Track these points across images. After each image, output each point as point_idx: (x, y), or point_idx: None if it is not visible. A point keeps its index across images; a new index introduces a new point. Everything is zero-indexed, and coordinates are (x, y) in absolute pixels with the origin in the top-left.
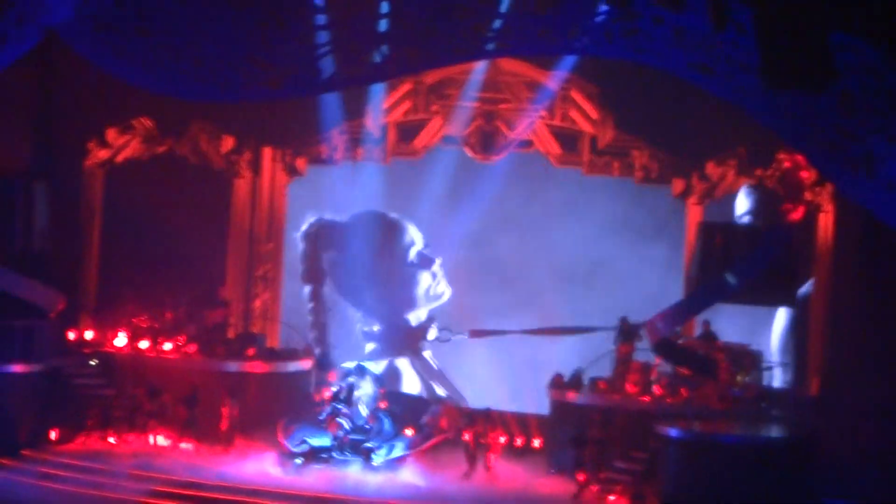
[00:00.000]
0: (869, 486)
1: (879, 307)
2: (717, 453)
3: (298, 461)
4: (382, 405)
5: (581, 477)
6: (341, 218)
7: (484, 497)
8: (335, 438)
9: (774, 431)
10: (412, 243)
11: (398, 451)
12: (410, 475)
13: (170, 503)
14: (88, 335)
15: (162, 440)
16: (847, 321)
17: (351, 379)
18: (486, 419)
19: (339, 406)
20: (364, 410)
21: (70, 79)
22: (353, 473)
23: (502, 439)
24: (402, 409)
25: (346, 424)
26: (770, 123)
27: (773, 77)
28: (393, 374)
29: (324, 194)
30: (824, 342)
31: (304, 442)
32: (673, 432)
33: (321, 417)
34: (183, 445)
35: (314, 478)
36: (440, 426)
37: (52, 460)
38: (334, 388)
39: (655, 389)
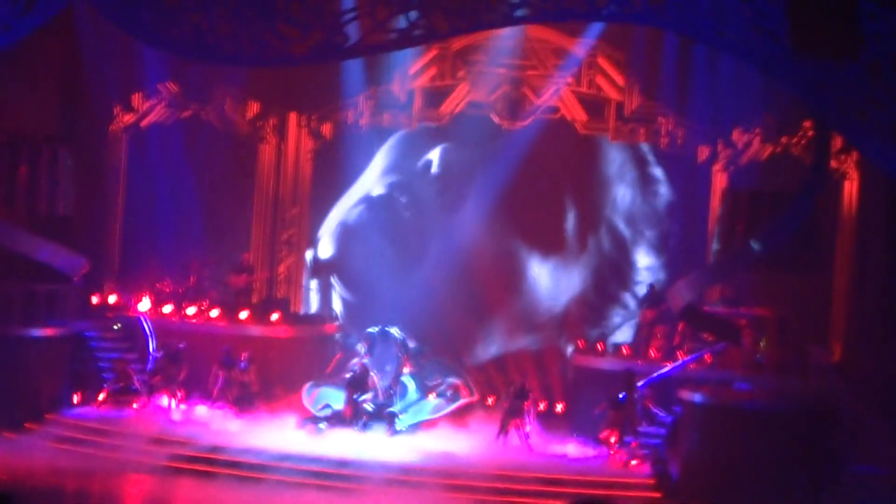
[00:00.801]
0: (892, 453)
1: None
2: (740, 420)
3: (322, 425)
4: (406, 369)
5: (609, 436)
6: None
7: (509, 462)
8: (358, 403)
9: (798, 398)
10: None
11: (423, 415)
12: (434, 440)
13: (190, 467)
14: (112, 299)
15: (179, 405)
16: (870, 288)
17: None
18: (515, 385)
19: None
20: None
21: (97, 44)
22: (377, 438)
23: (541, 405)
24: (426, 374)
25: (369, 398)
26: (797, 91)
27: (801, 45)
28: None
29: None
30: (847, 309)
31: (328, 406)
32: (696, 398)
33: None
34: (202, 409)
35: (337, 442)
36: (465, 391)
37: (75, 424)
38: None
39: (679, 355)
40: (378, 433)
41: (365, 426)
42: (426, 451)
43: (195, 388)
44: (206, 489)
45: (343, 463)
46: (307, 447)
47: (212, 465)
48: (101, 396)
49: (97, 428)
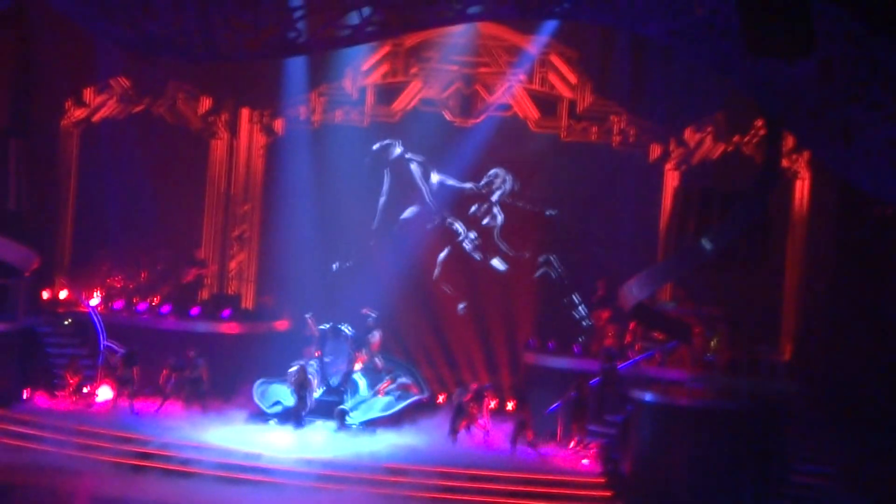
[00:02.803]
0: (839, 452)
1: (852, 274)
2: (690, 419)
3: (272, 422)
4: (357, 366)
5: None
6: None
7: (460, 459)
8: (308, 400)
9: (747, 397)
10: None
11: (373, 413)
12: (386, 437)
13: (141, 463)
14: (63, 295)
15: (131, 402)
16: (821, 288)
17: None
18: (468, 386)
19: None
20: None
21: (48, 38)
22: (327, 435)
23: (492, 404)
24: (378, 371)
25: (318, 388)
26: (748, 91)
27: (753, 45)
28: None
29: (301, 156)
30: (798, 309)
31: (278, 402)
32: (647, 397)
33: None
34: (153, 406)
35: (288, 439)
36: (415, 389)
37: (24, 419)
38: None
39: (630, 354)
40: (328, 429)
41: (300, 422)
42: (374, 448)
43: (146, 385)
44: (155, 485)
45: (297, 461)
46: (251, 443)
47: (162, 461)
48: (52, 393)
49: (47, 423)
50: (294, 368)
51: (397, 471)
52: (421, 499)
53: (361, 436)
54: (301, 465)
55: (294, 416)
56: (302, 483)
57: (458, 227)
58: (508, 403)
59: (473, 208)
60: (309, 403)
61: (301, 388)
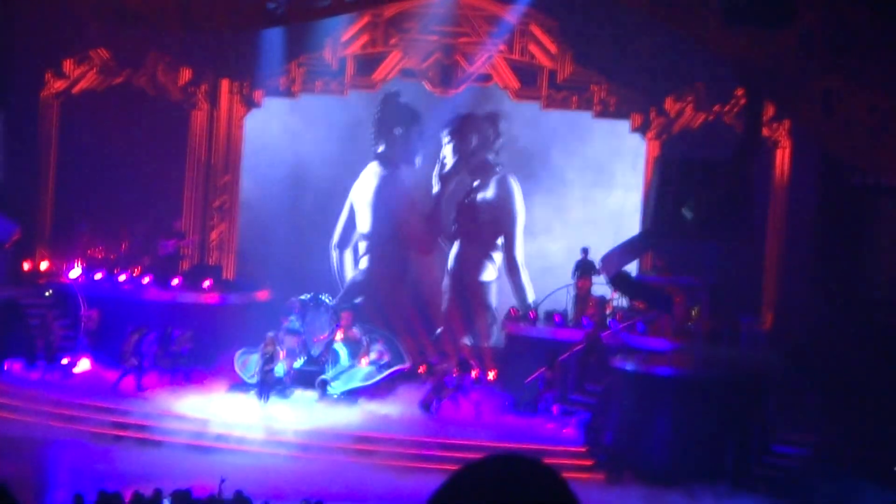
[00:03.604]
0: (820, 422)
1: (833, 242)
2: (671, 388)
3: (252, 392)
4: (338, 337)
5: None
6: None
7: (436, 429)
8: (289, 370)
9: (728, 367)
10: None
11: (354, 382)
12: (367, 407)
13: (118, 434)
14: (43, 266)
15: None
16: (802, 257)
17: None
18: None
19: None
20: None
21: (27, 9)
22: (308, 405)
23: (474, 373)
24: (358, 342)
25: (300, 358)
26: (729, 60)
27: (734, 14)
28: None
29: (280, 126)
30: (778, 278)
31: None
32: (628, 366)
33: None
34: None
35: (269, 409)
36: (396, 358)
37: (5, 390)
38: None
39: (611, 323)
40: (309, 399)
41: (264, 395)
42: (351, 418)
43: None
44: (132, 455)
45: (277, 431)
46: (229, 413)
47: (139, 431)
48: (33, 364)
49: (29, 394)
50: (268, 342)
51: (372, 440)
52: (395, 468)
53: (342, 405)
54: (276, 435)
55: (259, 389)
56: (276, 452)
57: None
58: (490, 373)
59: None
60: (274, 376)
61: (269, 360)
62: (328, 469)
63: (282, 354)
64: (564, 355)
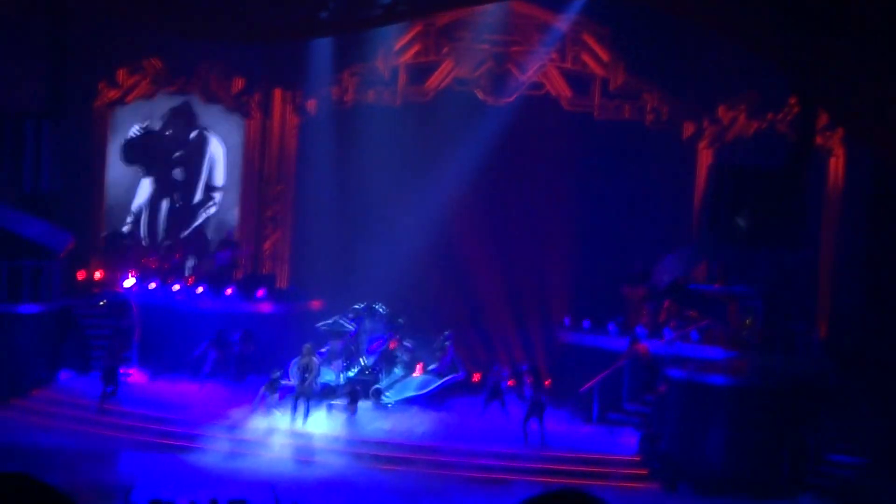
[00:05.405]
0: (875, 432)
1: (887, 250)
2: (725, 398)
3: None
4: (392, 346)
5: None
6: None
7: (493, 439)
8: (345, 379)
9: (783, 376)
10: None
11: (408, 392)
12: (422, 416)
13: (177, 443)
14: (97, 276)
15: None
16: (856, 265)
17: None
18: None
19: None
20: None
21: (83, 19)
22: (363, 413)
23: (528, 381)
24: (413, 351)
25: (353, 368)
26: (782, 67)
27: (790, 19)
28: None
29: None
30: (833, 286)
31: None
32: (682, 376)
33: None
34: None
35: (324, 418)
36: (454, 367)
37: (61, 400)
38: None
39: (665, 332)
40: (364, 408)
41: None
42: (405, 427)
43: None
44: (179, 463)
45: (332, 440)
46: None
47: (188, 440)
48: (88, 374)
49: (85, 404)
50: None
51: (429, 449)
52: (452, 478)
53: (396, 415)
54: (327, 444)
55: (293, 403)
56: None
57: None
58: (544, 382)
59: None
60: (313, 388)
61: (305, 370)
62: (376, 478)
63: (317, 367)
64: (617, 364)
